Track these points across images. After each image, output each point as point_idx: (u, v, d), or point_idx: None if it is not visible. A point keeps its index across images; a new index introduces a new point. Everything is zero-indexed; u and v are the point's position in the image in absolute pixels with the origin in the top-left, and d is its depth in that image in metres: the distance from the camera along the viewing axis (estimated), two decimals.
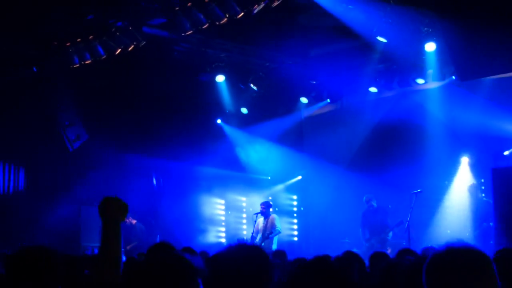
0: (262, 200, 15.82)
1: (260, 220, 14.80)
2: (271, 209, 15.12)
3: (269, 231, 14.49)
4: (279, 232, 14.52)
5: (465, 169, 14.54)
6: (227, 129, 17.94)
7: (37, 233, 13.78)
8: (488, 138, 13.85)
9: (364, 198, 14.75)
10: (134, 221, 15.68)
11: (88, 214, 15.89)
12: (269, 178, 18.40)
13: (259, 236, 14.63)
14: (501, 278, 2.66)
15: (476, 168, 14.30)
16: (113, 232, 3.35)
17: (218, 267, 2.97)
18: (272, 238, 14.35)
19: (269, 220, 14.63)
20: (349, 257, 6.19)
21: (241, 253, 3.01)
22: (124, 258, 9.68)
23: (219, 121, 18.10)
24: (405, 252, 6.66)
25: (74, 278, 4.08)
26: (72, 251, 12.09)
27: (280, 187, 18.22)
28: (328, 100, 16.49)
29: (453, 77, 13.91)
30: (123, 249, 11.84)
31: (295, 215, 18.14)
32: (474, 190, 13.30)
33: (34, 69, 13.65)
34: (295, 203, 18.23)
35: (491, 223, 12.47)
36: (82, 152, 15.66)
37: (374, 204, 14.56)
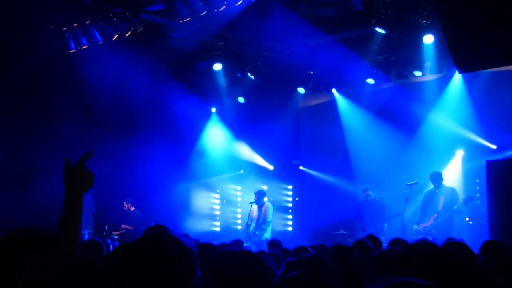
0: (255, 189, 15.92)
1: (254, 208, 15.01)
2: (265, 198, 15.25)
3: (263, 219, 14.68)
4: (269, 222, 14.70)
5: (457, 162, 14.55)
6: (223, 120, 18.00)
7: (31, 220, 13.74)
8: (484, 132, 13.90)
9: (362, 188, 14.78)
10: (132, 208, 15.78)
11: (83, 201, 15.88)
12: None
13: (253, 225, 14.82)
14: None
15: (471, 161, 14.31)
16: (76, 204, 3.08)
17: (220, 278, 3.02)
18: (265, 229, 14.51)
19: (263, 209, 14.88)
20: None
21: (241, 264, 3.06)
22: (116, 244, 9.72)
23: (213, 109, 18.16)
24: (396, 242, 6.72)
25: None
26: None
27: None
28: (326, 93, 16.51)
29: (456, 71, 13.89)
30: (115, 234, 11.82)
31: (290, 205, 18.13)
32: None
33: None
34: (290, 193, 18.22)
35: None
36: (78, 139, 15.64)
37: (372, 195, 14.59)
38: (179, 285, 2.42)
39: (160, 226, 4.45)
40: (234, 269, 3.09)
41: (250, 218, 14.94)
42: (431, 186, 13.24)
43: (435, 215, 12.56)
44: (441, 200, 12.60)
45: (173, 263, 2.44)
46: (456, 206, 12.35)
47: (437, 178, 12.80)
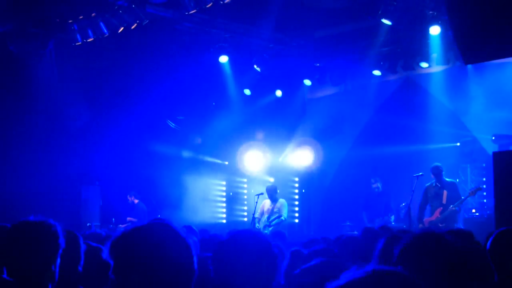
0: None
1: (267, 202, 14.68)
2: (278, 191, 15.04)
3: (277, 215, 14.40)
4: (283, 221, 14.42)
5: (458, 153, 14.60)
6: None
7: (39, 211, 13.79)
8: (490, 122, 13.87)
9: (370, 180, 14.74)
10: (136, 200, 15.81)
11: (89, 193, 15.95)
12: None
13: (264, 218, 14.55)
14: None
15: (477, 152, 14.31)
16: None
17: (225, 254, 3.00)
18: (278, 224, 14.29)
19: (277, 205, 14.55)
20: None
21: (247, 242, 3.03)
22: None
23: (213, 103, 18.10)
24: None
25: (74, 252, 4.07)
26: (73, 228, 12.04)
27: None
28: (332, 85, 16.47)
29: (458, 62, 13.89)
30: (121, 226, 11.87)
31: (296, 197, 18.14)
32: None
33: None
34: (296, 185, 18.23)
35: None
36: (84, 131, 15.68)
37: (380, 187, 14.56)
38: (175, 275, 2.42)
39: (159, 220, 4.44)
40: (241, 246, 3.04)
41: (260, 212, 14.71)
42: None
43: (440, 208, 12.54)
44: (444, 194, 12.58)
45: (168, 253, 2.42)
46: (454, 207, 12.31)
47: (438, 172, 12.78)
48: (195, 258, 2.50)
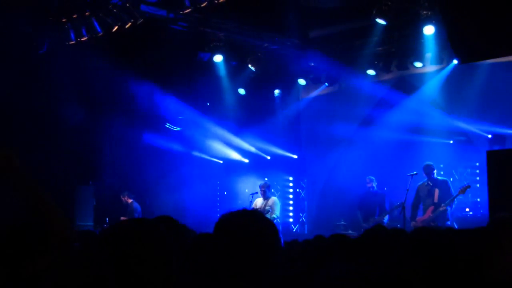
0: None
1: (259, 200, 14.55)
2: (272, 190, 14.93)
3: (267, 214, 14.21)
4: (274, 219, 13.84)
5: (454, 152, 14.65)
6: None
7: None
8: (484, 121, 13.91)
9: (365, 179, 14.73)
10: (130, 200, 15.74)
11: (82, 193, 15.91)
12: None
13: None
14: None
15: (471, 151, 14.35)
16: None
17: (224, 229, 2.95)
18: None
19: (268, 203, 14.33)
20: None
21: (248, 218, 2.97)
22: None
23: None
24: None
25: (66, 251, 4.05)
26: None
27: None
28: (326, 84, 16.49)
29: (455, 61, 13.90)
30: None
31: (291, 196, 18.13)
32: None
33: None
34: (291, 184, 18.22)
35: None
36: (77, 131, 15.64)
37: (375, 186, 14.54)
38: (150, 273, 2.45)
39: (165, 218, 4.45)
40: (237, 225, 2.97)
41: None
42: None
43: (432, 207, 12.57)
44: (436, 192, 12.61)
45: (143, 250, 2.46)
46: (445, 205, 12.36)
47: (429, 170, 12.81)
48: (172, 257, 2.53)
